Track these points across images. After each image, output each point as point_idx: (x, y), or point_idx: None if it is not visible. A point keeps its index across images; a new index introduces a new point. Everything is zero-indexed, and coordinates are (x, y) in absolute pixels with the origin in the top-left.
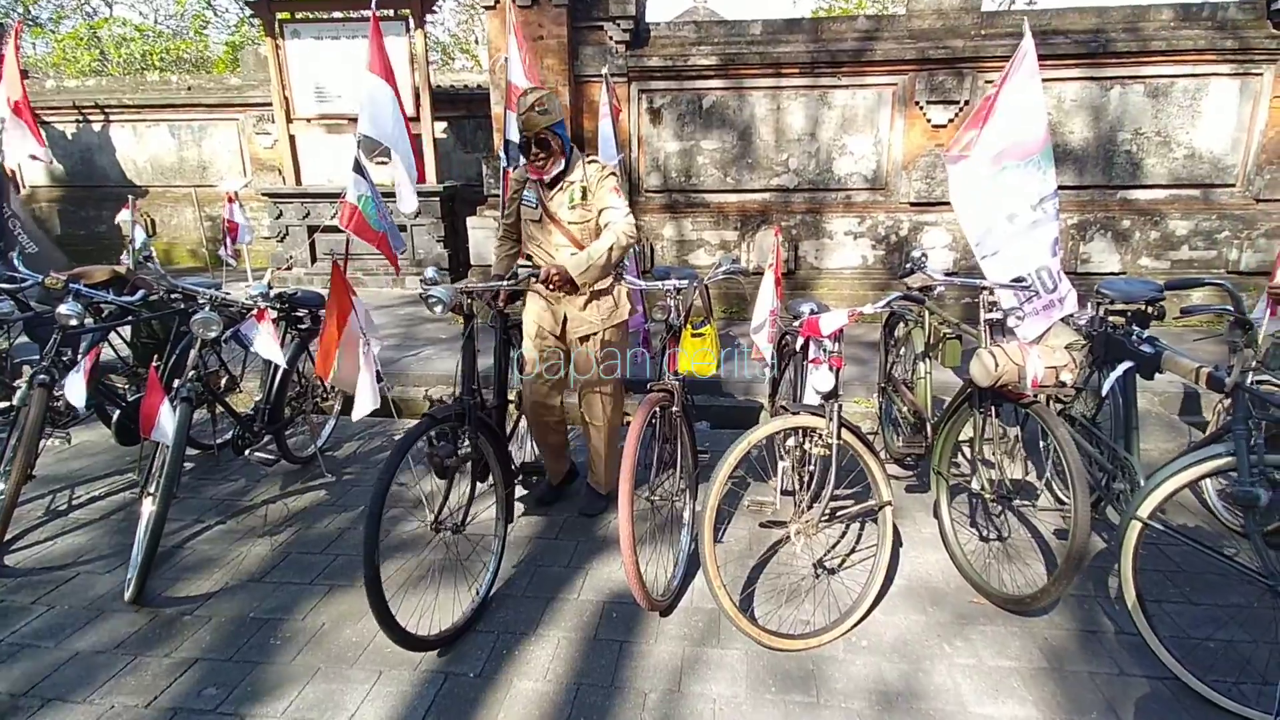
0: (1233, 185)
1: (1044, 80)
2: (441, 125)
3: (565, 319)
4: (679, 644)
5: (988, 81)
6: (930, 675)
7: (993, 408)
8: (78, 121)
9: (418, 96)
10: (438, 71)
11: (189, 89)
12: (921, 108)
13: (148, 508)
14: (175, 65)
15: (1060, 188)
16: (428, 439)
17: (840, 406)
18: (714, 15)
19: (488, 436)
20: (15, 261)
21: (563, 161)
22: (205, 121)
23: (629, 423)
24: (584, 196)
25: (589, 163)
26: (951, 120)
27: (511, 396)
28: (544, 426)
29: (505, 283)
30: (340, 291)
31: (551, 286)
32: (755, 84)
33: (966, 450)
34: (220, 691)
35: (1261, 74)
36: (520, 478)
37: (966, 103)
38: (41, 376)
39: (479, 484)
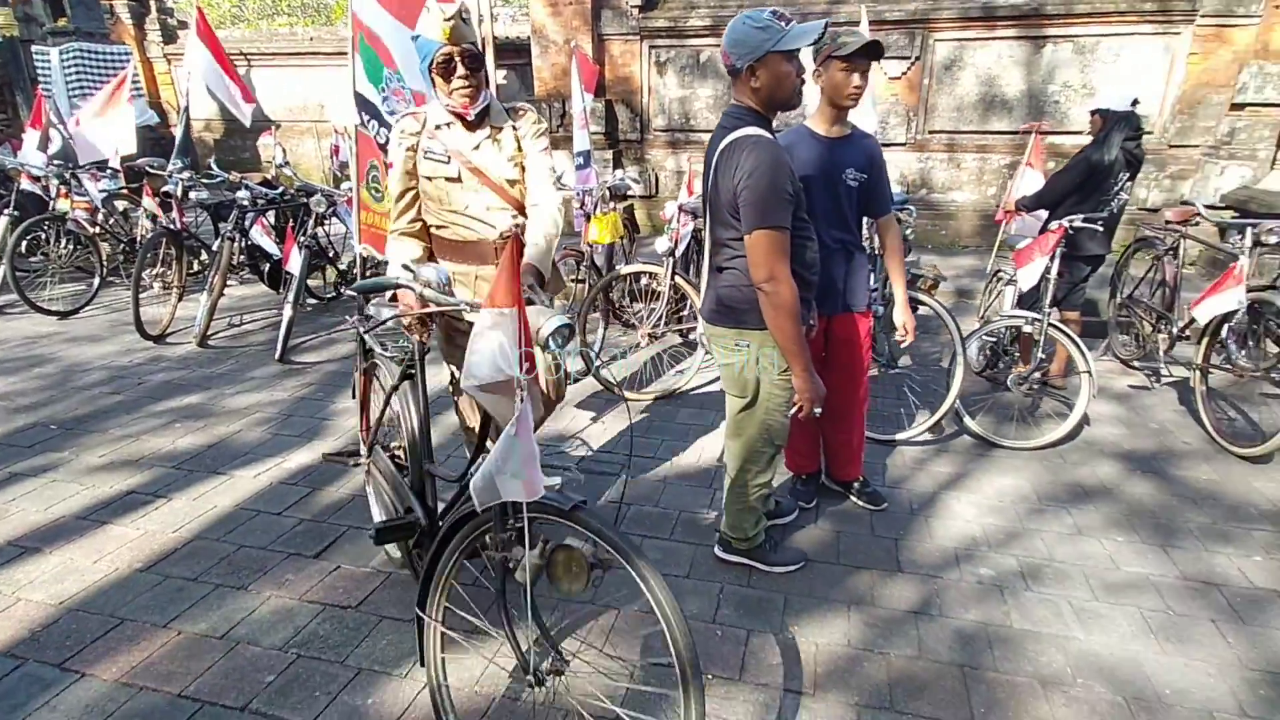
0: (1150, 133)
1: (986, 39)
2: (503, 72)
3: None
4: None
5: (937, 40)
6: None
7: None
8: None
9: (483, 46)
10: (511, 23)
11: (311, 39)
12: (879, 62)
13: (287, 313)
14: (300, 10)
15: (995, 132)
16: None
17: (675, 260)
18: None
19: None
20: (212, 164)
21: (486, 96)
22: (323, 67)
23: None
24: (518, 149)
25: (512, 108)
26: (904, 73)
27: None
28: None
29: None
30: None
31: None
32: None
33: None
34: (323, 394)
35: (1179, 33)
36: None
37: (917, 58)
38: (229, 234)
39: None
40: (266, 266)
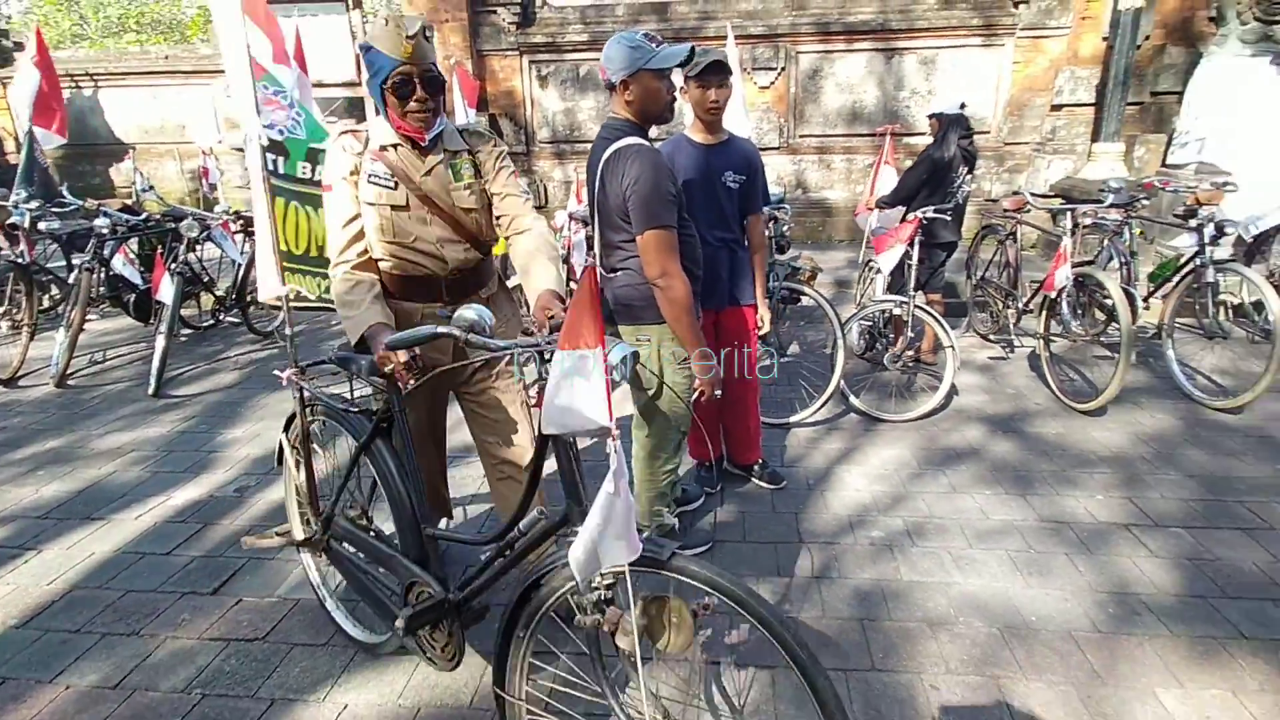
0: (988, 132)
1: (844, 51)
2: None
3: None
4: None
5: (800, 52)
6: None
7: None
8: (71, 88)
9: (359, 63)
10: None
11: (166, 58)
12: (749, 73)
13: (160, 343)
14: (151, 27)
15: (859, 135)
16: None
17: (569, 267)
18: None
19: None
20: (64, 192)
21: (442, 121)
22: (182, 86)
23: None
24: (476, 174)
25: (468, 132)
26: (773, 83)
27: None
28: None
29: (511, 345)
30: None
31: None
32: None
33: None
34: (207, 425)
35: (1004, 45)
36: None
37: (783, 69)
38: (88, 265)
39: None
40: (131, 297)
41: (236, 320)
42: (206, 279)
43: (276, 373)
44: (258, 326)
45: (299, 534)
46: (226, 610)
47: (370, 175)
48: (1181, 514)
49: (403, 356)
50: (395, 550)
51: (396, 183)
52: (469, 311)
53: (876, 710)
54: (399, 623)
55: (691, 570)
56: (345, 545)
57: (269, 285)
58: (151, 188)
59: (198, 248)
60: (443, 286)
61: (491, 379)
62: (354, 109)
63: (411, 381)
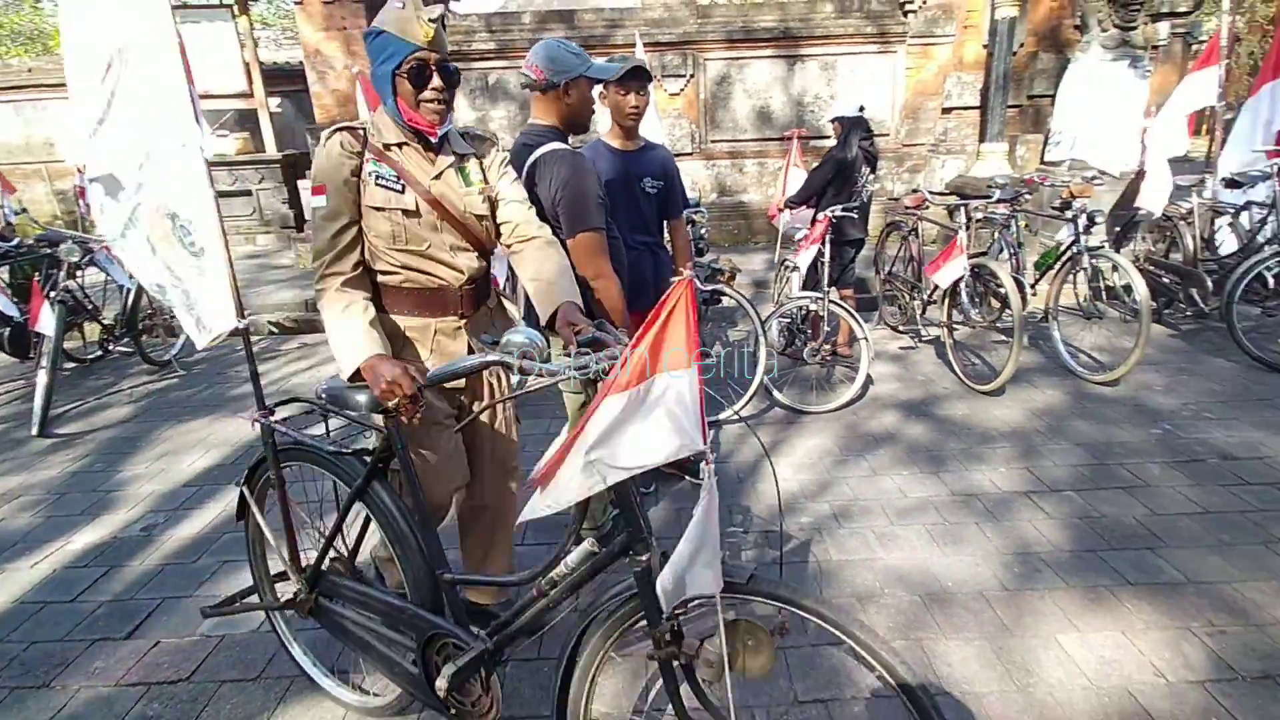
0: (888, 135)
1: (749, 58)
2: (275, 100)
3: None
4: None
5: (708, 59)
6: None
7: None
8: None
9: (249, 73)
10: (278, 48)
11: (29, 71)
12: (659, 80)
13: (42, 379)
14: (10, 39)
15: (768, 139)
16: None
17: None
18: None
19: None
20: None
21: (451, 119)
22: (48, 100)
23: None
24: (485, 181)
25: (471, 136)
26: (682, 90)
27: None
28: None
29: (561, 371)
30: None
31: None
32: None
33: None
34: (104, 464)
35: (897, 52)
36: None
37: (692, 76)
38: None
39: None
40: (5, 331)
41: (128, 350)
42: (91, 307)
43: (241, 416)
44: (153, 355)
45: (271, 595)
46: (144, 654)
47: (377, 177)
48: (1071, 479)
49: (409, 389)
50: (406, 601)
51: (404, 186)
52: (518, 336)
53: (816, 681)
54: (441, 682)
55: (774, 591)
56: (337, 602)
57: (219, 321)
58: (25, 210)
59: (79, 273)
60: (459, 298)
61: (512, 406)
62: (245, 122)
63: (418, 417)
